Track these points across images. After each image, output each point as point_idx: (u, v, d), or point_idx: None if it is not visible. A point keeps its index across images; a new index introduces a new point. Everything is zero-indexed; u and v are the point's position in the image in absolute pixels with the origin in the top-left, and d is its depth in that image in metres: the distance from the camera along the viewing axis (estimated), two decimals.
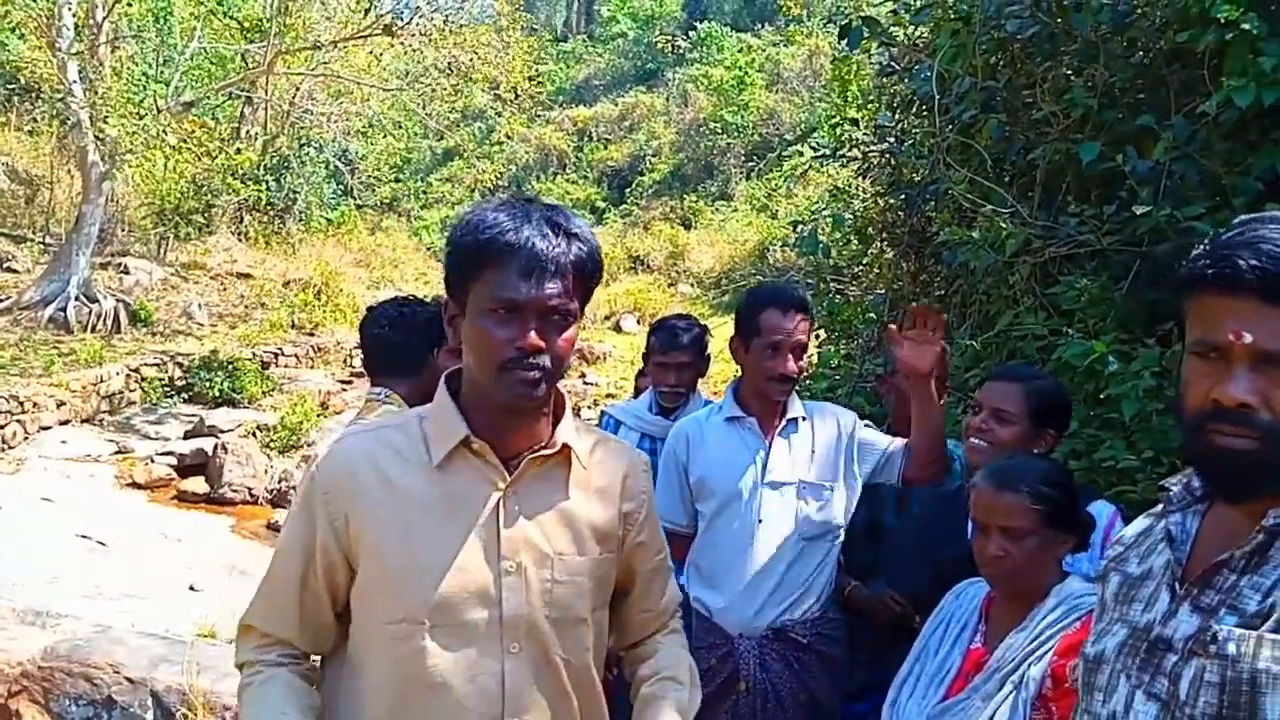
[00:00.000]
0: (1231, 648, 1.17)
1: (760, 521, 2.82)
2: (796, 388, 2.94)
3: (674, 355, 3.50)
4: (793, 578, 2.83)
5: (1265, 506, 1.20)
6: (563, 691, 1.62)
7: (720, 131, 24.57)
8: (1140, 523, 1.46)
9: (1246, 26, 3.34)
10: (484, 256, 1.49)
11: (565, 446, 1.63)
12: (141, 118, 12.83)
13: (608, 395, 13.09)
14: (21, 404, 10.45)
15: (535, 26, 24.78)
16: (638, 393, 4.72)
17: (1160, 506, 1.43)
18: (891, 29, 5.35)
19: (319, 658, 1.73)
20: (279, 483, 9.49)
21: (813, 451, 2.89)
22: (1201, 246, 1.23)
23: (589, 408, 12.36)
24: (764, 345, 2.80)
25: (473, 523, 1.56)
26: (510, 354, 1.49)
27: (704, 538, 2.94)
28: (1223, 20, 3.38)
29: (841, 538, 2.93)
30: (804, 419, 2.92)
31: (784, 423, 2.89)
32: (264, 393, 13.12)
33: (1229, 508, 1.27)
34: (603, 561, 1.68)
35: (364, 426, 1.72)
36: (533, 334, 1.48)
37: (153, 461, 10.19)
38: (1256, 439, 1.16)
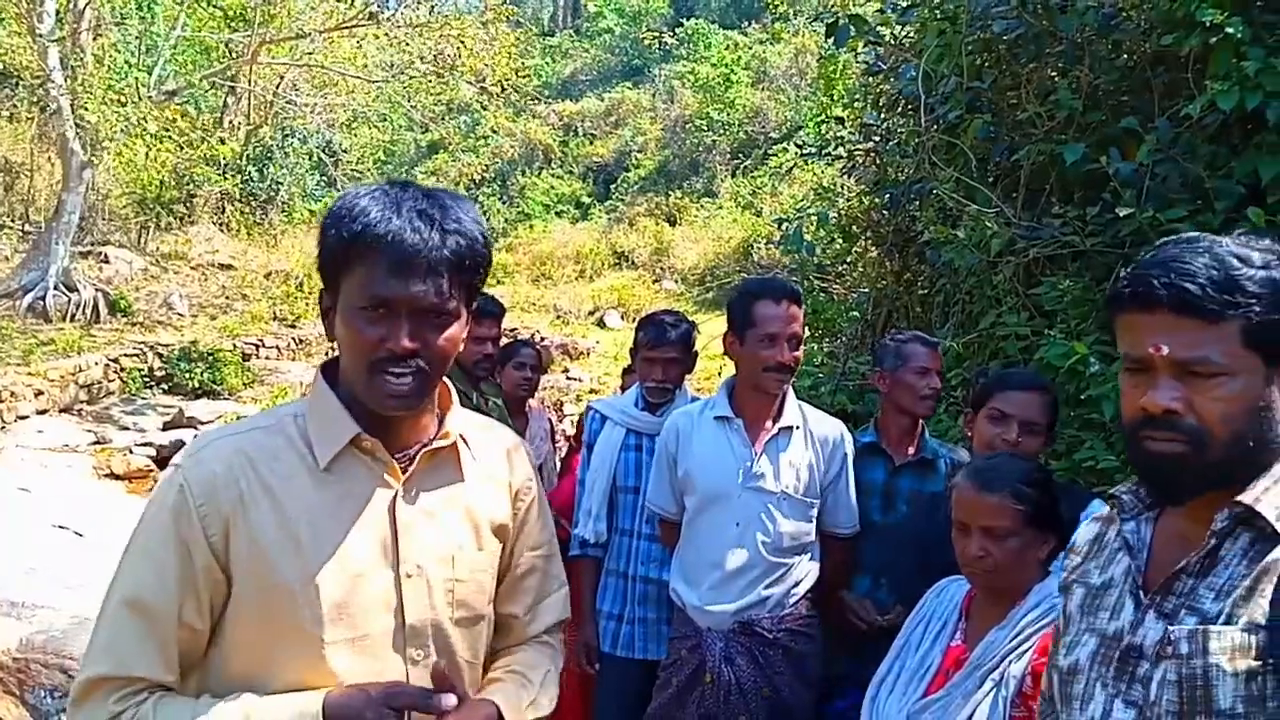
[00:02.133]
0: (1184, 646, 1.24)
1: (738, 525, 2.84)
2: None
3: (662, 350, 3.49)
4: (764, 581, 2.85)
5: (1211, 509, 1.26)
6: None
7: (706, 128, 24.55)
8: (1089, 529, 1.52)
9: (1230, 30, 3.36)
10: (352, 251, 1.38)
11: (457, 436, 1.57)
12: (123, 105, 12.72)
13: (591, 391, 13.08)
14: None
15: (521, 20, 24.70)
16: (624, 389, 4.72)
17: (1107, 511, 1.49)
18: (878, 28, 5.36)
19: None
20: None
21: (802, 465, 2.90)
22: (1126, 270, 1.33)
23: (573, 403, 12.34)
24: (759, 336, 2.79)
25: (367, 527, 1.45)
26: (380, 354, 1.40)
27: (685, 532, 2.97)
28: (1207, 24, 3.41)
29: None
30: (798, 428, 2.92)
31: (776, 430, 2.89)
32: (244, 384, 13.05)
33: (1179, 514, 1.34)
34: (497, 553, 1.61)
35: (229, 429, 1.53)
36: (405, 336, 1.39)
37: (131, 452, 10.11)
38: (1183, 442, 1.25)
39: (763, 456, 2.86)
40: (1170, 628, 1.26)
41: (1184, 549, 1.29)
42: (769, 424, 2.90)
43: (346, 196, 1.43)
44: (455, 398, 1.61)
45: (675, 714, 2.90)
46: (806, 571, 2.93)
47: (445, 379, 1.56)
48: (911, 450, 3.10)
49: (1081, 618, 1.42)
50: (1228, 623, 1.22)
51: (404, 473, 1.50)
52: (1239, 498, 1.24)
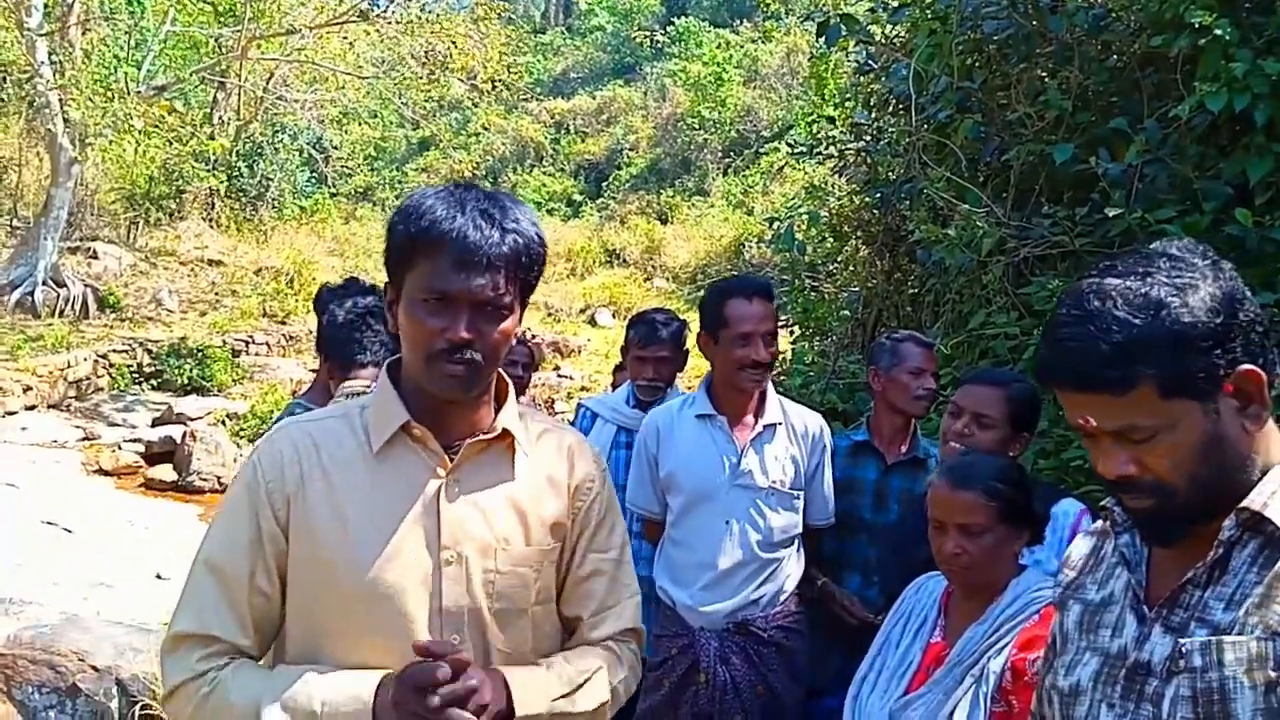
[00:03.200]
0: (1197, 659, 1.19)
1: (727, 524, 2.83)
2: (770, 382, 2.94)
3: (653, 349, 3.50)
4: (757, 579, 2.86)
5: (1208, 522, 1.23)
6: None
7: (698, 127, 24.57)
8: (1084, 543, 1.48)
9: (1219, 32, 3.38)
10: (417, 246, 1.48)
11: (507, 432, 1.61)
12: (112, 101, 12.65)
13: (582, 388, 13.07)
14: None
15: (513, 17, 24.65)
16: (615, 387, 4.72)
17: (1099, 524, 1.46)
18: (869, 27, 5.37)
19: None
20: None
21: (786, 459, 2.90)
22: (1043, 330, 1.30)
23: (564, 400, 12.33)
24: (733, 336, 2.79)
25: (412, 512, 1.53)
26: (440, 345, 1.47)
27: (671, 532, 2.96)
28: (1196, 26, 3.42)
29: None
30: (780, 424, 2.92)
31: (760, 428, 2.89)
32: (234, 381, 13.00)
33: None
34: (551, 552, 1.63)
35: (305, 416, 1.68)
36: (463, 327, 1.46)
37: (120, 449, 10.07)
38: (1151, 498, 1.23)
39: (749, 453, 2.86)
40: (1181, 641, 1.21)
41: (1185, 561, 1.25)
42: (751, 420, 2.90)
43: (414, 196, 1.53)
44: (513, 393, 1.66)
45: (668, 714, 2.90)
46: (795, 566, 2.95)
47: (504, 374, 1.64)
48: (904, 449, 3.11)
49: (1080, 636, 1.38)
50: (1240, 632, 1.17)
51: (452, 462, 1.57)
52: (1245, 503, 1.20)
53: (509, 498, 1.60)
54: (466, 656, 1.46)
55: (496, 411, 1.63)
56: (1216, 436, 1.20)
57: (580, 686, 1.61)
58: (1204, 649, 1.19)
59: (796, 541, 2.95)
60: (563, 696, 1.57)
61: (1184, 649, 1.21)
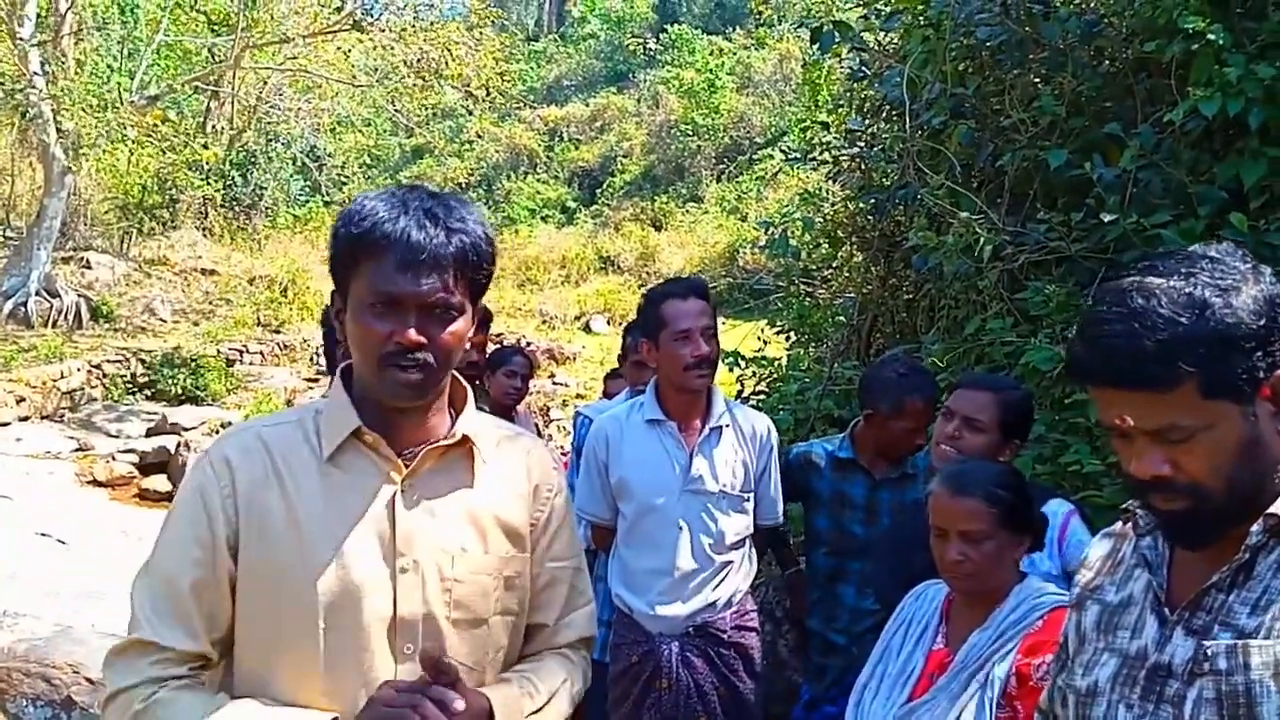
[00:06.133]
0: (1222, 662, 1.19)
1: (680, 529, 2.84)
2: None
3: None
4: (713, 582, 2.87)
5: (1241, 528, 1.22)
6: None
7: (691, 134, 24.62)
8: (1102, 544, 1.48)
9: (1212, 37, 3.38)
10: (361, 249, 1.44)
11: (466, 438, 1.57)
12: (104, 110, 12.64)
13: (577, 395, 13.06)
14: None
15: (506, 24, 24.70)
16: (607, 394, 4.71)
17: (1119, 525, 1.45)
18: (862, 34, 5.37)
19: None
20: None
21: (736, 463, 2.91)
22: (1076, 337, 1.29)
23: (559, 408, 12.32)
24: (672, 335, 2.78)
25: (366, 519, 1.48)
26: (389, 348, 1.43)
27: (624, 537, 2.95)
28: (1189, 31, 3.42)
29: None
30: (727, 426, 2.93)
31: (708, 431, 2.89)
32: (228, 390, 12.98)
33: None
34: (511, 560, 1.59)
35: (260, 419, 1.62)
36: (412, 330, 1.43)
37: (114, 459, 10.03)
38: (1185, 498, 1.21)
39: (699, 457, 2.87)
40: (1205, 643, 1.21)
41: (1208, 564, 1.24)
42: (699, 424, 2.90)
43: (357, 200, 1.49)
44: (471, 399, 1.62)
45: None
46: (748, 565, 2.97)
47: (462, 380, 1.61)
48: (891, 464, 3.11)
49: (1098, 636, 1.38)
50: (1266, 637, 1.17)
51: (408, 468, 1.53)
52: (1272, 509, 1.20)
53: (467, 505, 1.56)
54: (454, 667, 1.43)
55: (455, 418, 1.59)
56: (1253, 440, 1.20)
57: (549, 701, 1.60)
58: (1229, 652, 1.19)
59: (748, 542, 2.97)
60: (535, 713, 1.56)
61: (1209, 651, 1.20)
